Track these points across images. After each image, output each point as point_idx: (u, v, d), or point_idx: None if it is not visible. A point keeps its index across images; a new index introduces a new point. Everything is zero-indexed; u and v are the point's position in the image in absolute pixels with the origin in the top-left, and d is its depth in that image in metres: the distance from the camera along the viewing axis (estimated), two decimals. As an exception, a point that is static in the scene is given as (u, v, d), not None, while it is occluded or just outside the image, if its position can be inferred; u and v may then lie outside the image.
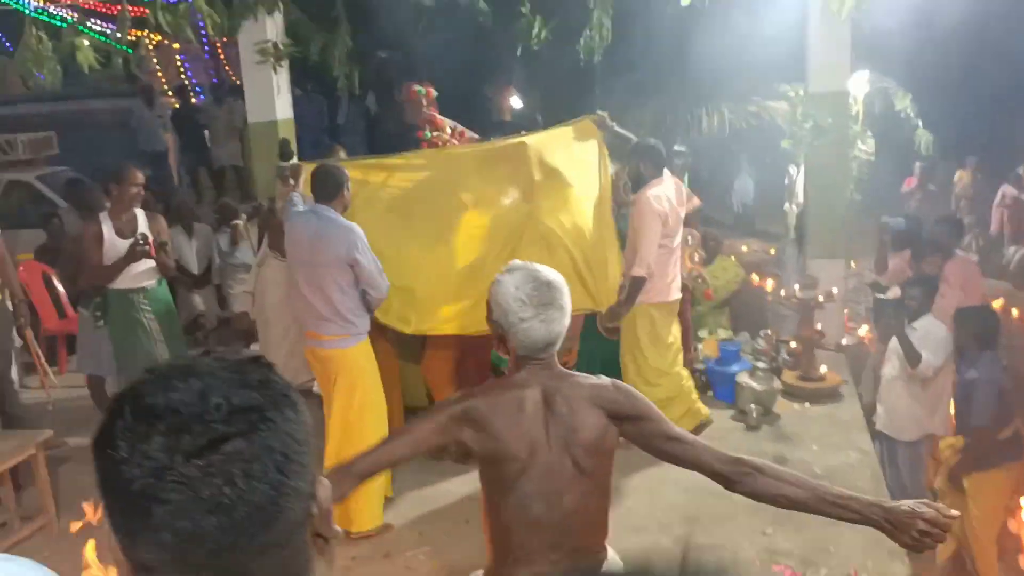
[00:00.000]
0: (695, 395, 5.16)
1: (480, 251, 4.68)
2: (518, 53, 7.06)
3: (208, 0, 6.70)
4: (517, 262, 2.24)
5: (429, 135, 5.39)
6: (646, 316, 4.93)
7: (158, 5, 6.27)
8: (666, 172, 4.96)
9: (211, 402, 0.84)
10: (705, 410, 5.15)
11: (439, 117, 5.50)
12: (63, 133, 10.87)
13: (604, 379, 2.26)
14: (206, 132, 12.27)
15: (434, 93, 5.52)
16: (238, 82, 14.08)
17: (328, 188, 4.19)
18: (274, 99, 7.85)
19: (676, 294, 5.06)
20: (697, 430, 4.70)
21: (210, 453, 0.82)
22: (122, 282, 5.11)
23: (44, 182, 9.49)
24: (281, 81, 7.93)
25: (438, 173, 4.87)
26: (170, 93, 13.80)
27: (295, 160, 7.62)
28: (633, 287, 4.78)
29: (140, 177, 5.12)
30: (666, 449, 2.17)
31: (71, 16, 8.82)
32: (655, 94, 9.28)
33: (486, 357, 5.12)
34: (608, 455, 2.21)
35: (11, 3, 11.49)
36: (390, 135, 11.58)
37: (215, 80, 14.55)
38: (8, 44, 12.32)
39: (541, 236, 4.62)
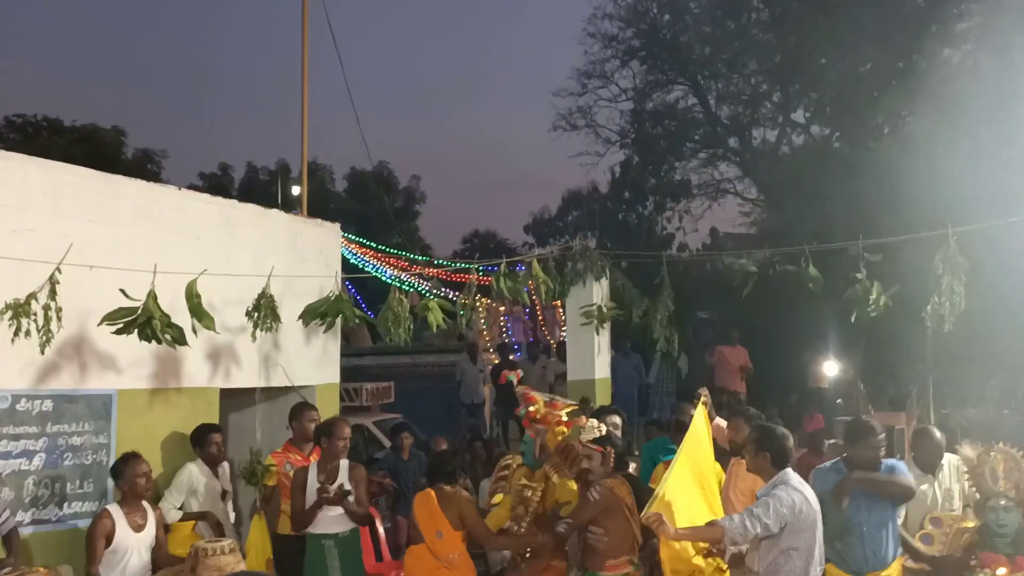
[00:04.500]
0: None
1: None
2: (853, 319, 6.65)
3: (543, 267, 7.23)
4: None
5: (524, 411, 5.36)
6: None
7: (501, 272, 6.86)
8: None
9: None
10: None
11: (532, 393, 5.47)
12: (397, 383, 12.02)
13: None
14: (520, 387, 12.88)
15: (521, 374, 5.53)
16: (551, 341, 14.95)
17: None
18: (594, 359, 8.08)
19: None
20: None
21: None
22: (315, 527, 5.24)
23: (378, 427, 10.35)
24: (602, 342, 8.20)
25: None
26: (491, 350, 14.90)
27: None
28: None
29: (348, 432, 5.49)
30: None
31: (420, 284, 10.00)
32: (1006, 366, 8.30)
33: None
34: None
35: (372, 272, 13.37)
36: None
37: (531, 339, 15.56)
38: (364, 305, 14.18)
39: None
